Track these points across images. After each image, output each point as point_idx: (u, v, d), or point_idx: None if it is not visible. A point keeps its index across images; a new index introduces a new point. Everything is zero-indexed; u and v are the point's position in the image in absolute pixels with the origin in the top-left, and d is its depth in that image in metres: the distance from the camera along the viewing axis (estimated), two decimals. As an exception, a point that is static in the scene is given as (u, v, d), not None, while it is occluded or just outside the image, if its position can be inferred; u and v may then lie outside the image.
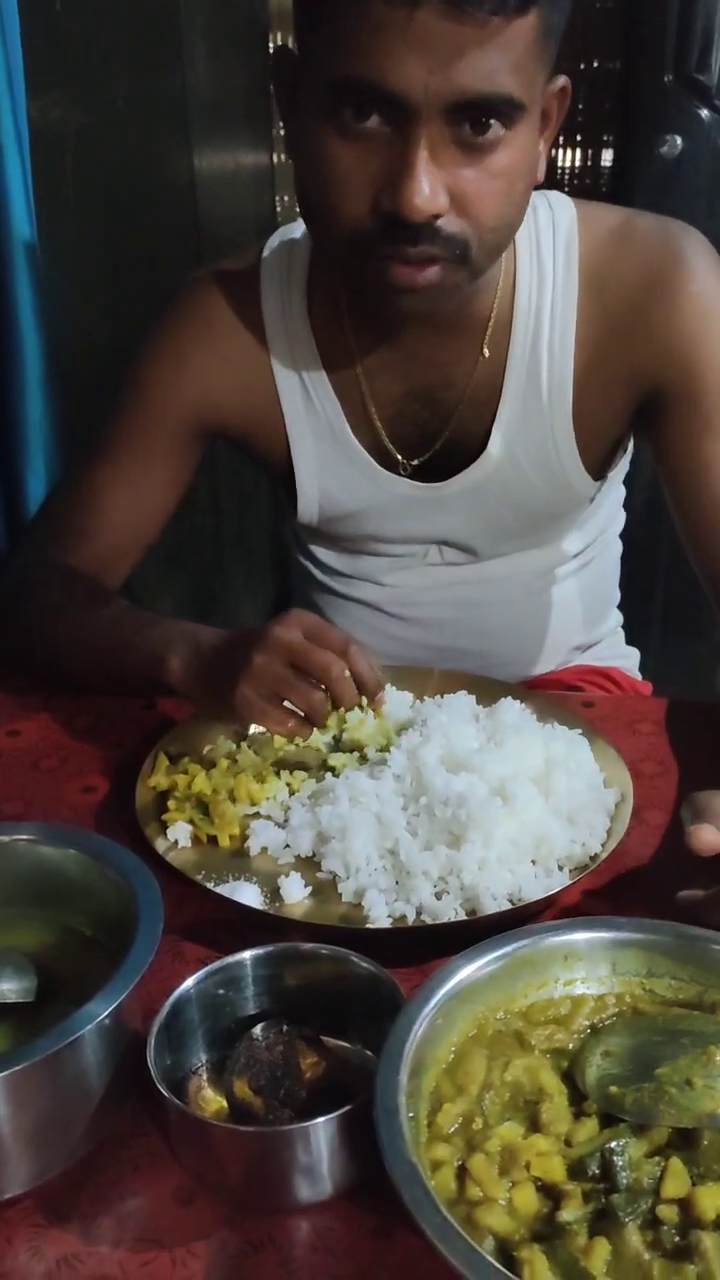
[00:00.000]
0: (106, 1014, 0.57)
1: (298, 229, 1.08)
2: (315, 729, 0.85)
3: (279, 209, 2.56)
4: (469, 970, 0.62)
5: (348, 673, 0.84)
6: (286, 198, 2.56)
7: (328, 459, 1.08)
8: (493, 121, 0.80)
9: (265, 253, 1.07)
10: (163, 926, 0.63)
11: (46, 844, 0.71)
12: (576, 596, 1.21)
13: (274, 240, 1.08)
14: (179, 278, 1.12)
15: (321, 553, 1.20)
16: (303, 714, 0.84)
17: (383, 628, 1.19)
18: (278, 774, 0.91)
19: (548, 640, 1.21)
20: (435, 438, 1.06)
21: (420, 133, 0.79)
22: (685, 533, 1.02)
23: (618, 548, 1.28)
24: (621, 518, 1.27)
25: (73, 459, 1.22)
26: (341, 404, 1.06)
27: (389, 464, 1.08)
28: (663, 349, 0.98)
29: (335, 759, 0.93)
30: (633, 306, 0.98)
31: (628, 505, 1.27)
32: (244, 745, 0.95)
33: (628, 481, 1.23)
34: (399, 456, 1.07)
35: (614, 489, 1.20)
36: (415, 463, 1.07)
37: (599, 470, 1.09)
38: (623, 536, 1.29)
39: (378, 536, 1.13)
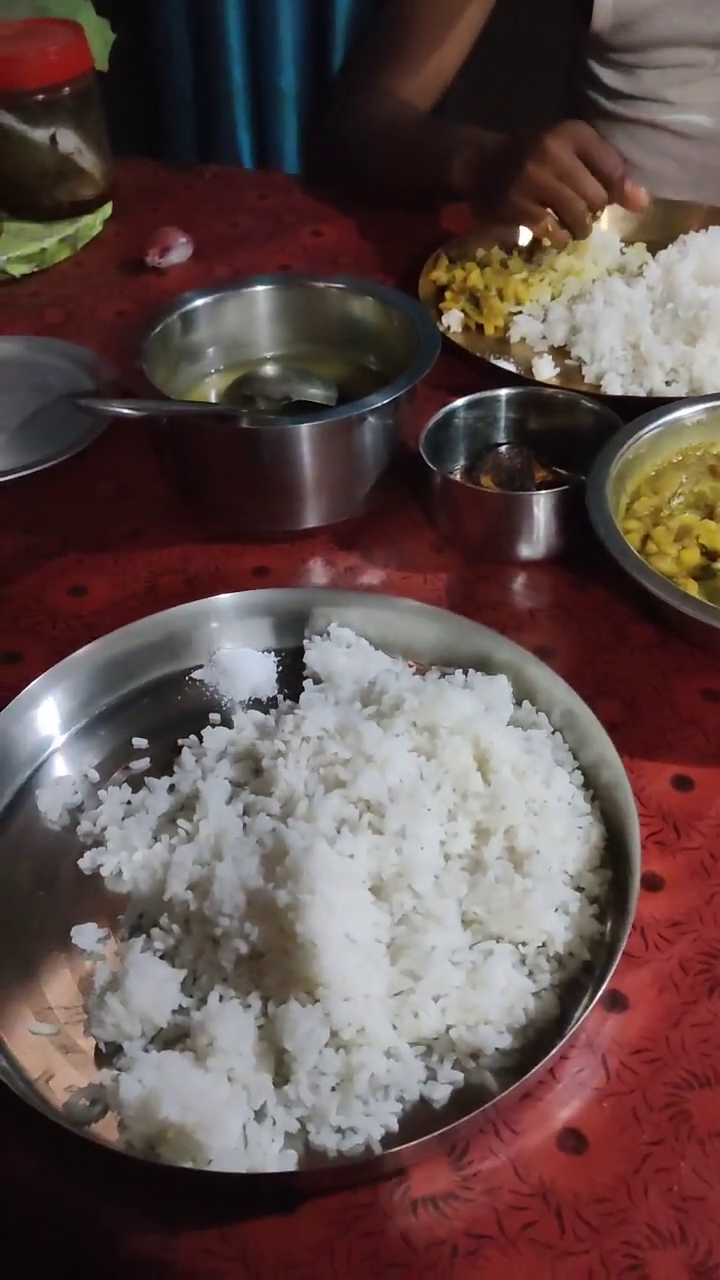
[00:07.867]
0: (388, 399, 0.75)
1: None
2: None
3: None
4: (683, 413, 0.76)
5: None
6: None
7: None
8: None
9: None
10: (438, 353, 0.79)
11: (352, 293, 0.88)
12: None
13: None
14: None
15: (606, 74, 1.23)
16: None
17: (663, 147, 1.23)
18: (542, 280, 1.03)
19: None
20: None
21: None
22: None
23: None
24: None
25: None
26: None
27: None
28: None
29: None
30: None
31: None
32: (515, 254, 1.07)
33: None
34: None
35: None
36: None
37: None
38: None
39: (668, 39, 1.16)
